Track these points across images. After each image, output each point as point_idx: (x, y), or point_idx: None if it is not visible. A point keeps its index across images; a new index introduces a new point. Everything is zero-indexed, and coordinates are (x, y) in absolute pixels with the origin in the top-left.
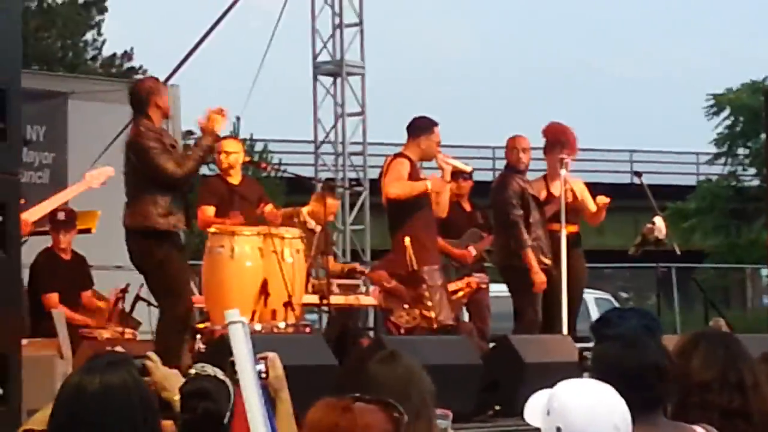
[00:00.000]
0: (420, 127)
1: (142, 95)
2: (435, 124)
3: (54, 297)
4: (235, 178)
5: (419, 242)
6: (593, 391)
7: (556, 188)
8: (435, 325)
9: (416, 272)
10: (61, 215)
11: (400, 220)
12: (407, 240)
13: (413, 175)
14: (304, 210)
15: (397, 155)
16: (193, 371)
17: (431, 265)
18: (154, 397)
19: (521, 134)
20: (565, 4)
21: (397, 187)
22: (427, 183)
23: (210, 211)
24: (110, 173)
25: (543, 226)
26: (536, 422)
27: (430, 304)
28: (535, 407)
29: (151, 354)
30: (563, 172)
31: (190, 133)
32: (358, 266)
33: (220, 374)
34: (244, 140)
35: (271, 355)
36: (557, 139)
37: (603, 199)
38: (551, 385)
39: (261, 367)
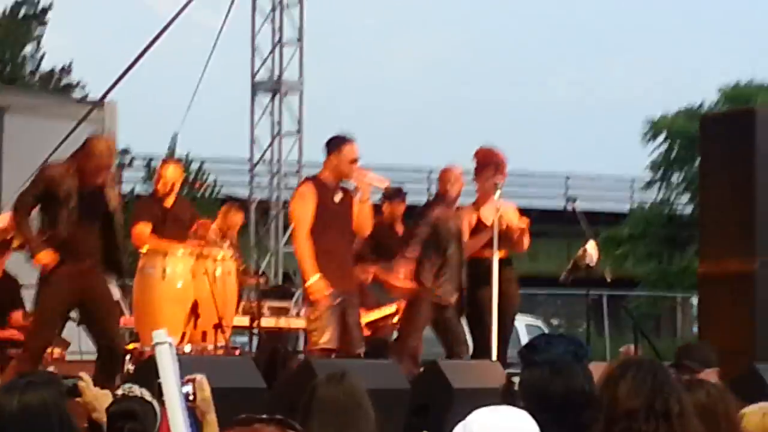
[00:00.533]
0: (331, 145)
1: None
2: (345, 141)
3: None
4: (168, 201)
5: (320, 264)
6: (505, 417)
7: (488, 213)
8: (313, 348)
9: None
10: None
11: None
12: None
13: (322, 198)
14: (212, 226)
15: (306, 179)
16: (120, 392)
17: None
18: (75, 418)
19: (455, 164)
20: (504, 28)
21: (297, 214)
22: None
23: (146, 228)
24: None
25: (458, 260)
26: None
27: (313, 327)
28: None
29: (83, 374)
30: (496, 195)
31: (125, 152)
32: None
33: (147, 395)
34: (179, 160)
35: (199, 377)
36: (488, 163)
37: (523, 221)
38: None
39: (188, 389)
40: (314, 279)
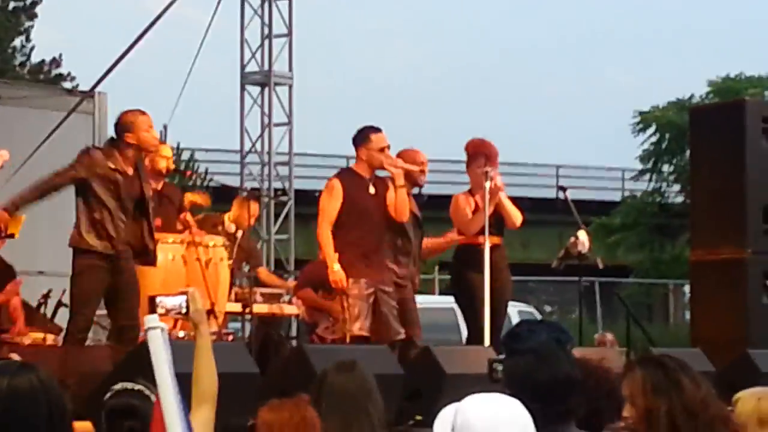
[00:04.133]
0: (357, 138)
1: (118, 128)
2: (373, 131)
3: None
4: (158, 184)
5: (342, 258)
6: (496, 405)
7: (480, 201)
8: (348, 336)
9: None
10: None
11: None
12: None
13: (350, 192)
14: (227, 216)
15: (337, 173)
16: (118, 386)
17: (354, 278)
18: (63, 400)
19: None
20: (494, 20)
21: (321, 218)
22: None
23: None
24: (5, 156)
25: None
26: None
27: (347, 316)
28: (443, 422)
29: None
30: (488, 185)
31: None
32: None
33: (146, 389)
34: (171, 148)
35: (191, 289)
36: (479, 153)
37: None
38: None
39: (181, 301)
40: (335, 268)
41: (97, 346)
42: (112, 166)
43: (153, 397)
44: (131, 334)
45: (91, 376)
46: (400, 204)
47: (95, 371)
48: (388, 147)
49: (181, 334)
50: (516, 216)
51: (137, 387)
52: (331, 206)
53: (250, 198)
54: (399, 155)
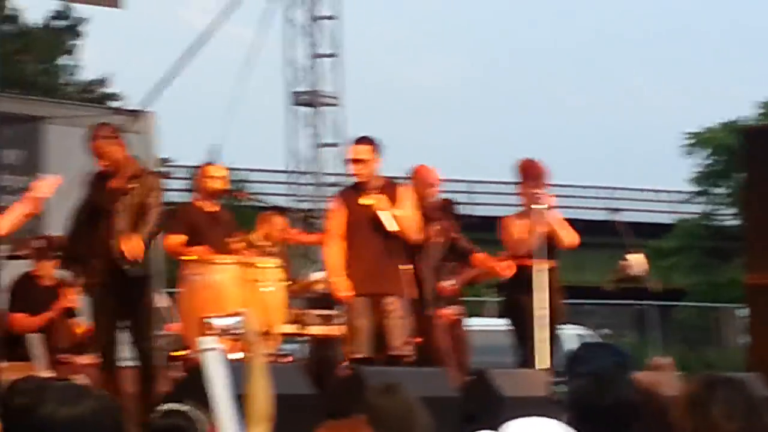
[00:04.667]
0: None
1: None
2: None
3: (19, 317)
4: (214, 206)
5: (348, 269)
6: (538, 429)
7: (531, 222)
8: (348, 358)
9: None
10: (38, 243)
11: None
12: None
13: (348, 204)
14: (253, 237)
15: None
16: (165, 407)
17: (356, 294)
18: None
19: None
20: (548, 41)
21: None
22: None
23: (178, 239)
24: (59, 182)
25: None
26: None
27: (344, 335)
28: None
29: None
30: (539, 206)
31: (166, 160)
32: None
33: (191, 411)
34: (225, 168)
35: (245, 310)
36: (530, 174)
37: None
38: None
39: (235, 322)
40: (333, 279)
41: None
42: None
43: (198, 419)
44: None
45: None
46: (406, 222)
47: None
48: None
49: (236, 356)
50: (570, 236)
51: (183, 408)
52: (328, 224)
53: (270, 213)
54: (415, 172)
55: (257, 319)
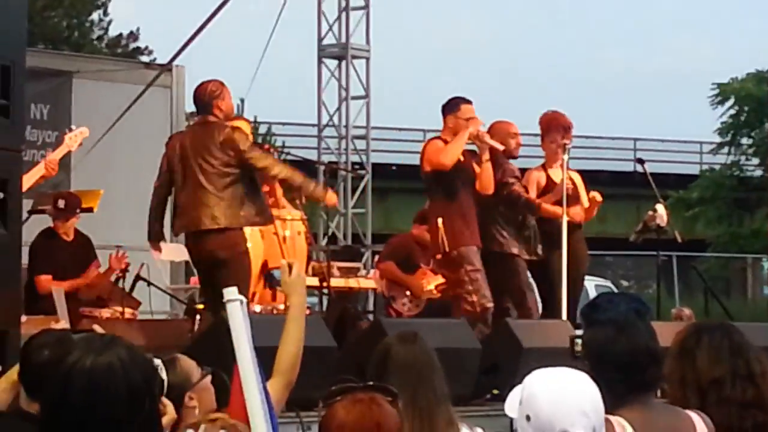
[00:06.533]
0: (447, 106)
1: (205, 98)
2: (463, 101)
3: (46, 279)
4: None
5: (455, 223)
6: (562, 378)
7: (556, 175)
8: (478, 309)
9: (450, 255)
10: (60, 203)
11: (437, 200)
12: (440, 222)
13: None
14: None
15: (431, 138)
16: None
17: (468, 245)
18: (149, 378)
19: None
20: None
21: (442, 156)
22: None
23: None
24: (86, 134)
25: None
26: (513, 413)
27: (470, 288)
28: (512, 398)
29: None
30: (565, 157)
31: (194, 114)
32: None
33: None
34: (248, 122)
35: (284, 261)
36: (554, 126)
37: (597, 197)
38: None
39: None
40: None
41: (175, 320)
42: None
43: (164, 374)
44: None
45: (169, 350)
46: (485, 178)
47: (175, 344)
48: (475, 119)
49: (257, 308)
50: (588, 215)
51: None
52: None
53: None
54: (491, 128)
55: (299, 270)
